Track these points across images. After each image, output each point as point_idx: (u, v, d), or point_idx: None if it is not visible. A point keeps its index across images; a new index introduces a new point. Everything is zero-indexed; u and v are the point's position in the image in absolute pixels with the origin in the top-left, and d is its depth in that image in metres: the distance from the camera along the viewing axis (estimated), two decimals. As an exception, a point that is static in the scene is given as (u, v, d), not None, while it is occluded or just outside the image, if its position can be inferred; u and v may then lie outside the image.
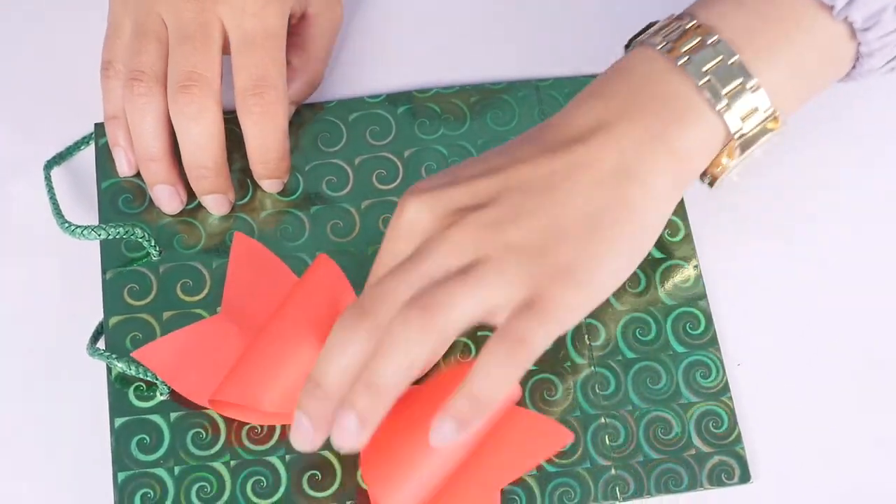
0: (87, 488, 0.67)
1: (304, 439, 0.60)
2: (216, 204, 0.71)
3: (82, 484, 0.67)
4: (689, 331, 0.68)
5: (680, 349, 0.68)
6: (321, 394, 0.59)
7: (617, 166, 0.60)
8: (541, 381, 0.67)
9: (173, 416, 0.66)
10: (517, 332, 0.57)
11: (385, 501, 0.62)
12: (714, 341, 0.68)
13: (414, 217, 0.60)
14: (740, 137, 0.61)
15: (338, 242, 0.70)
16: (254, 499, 0.65)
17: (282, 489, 0.65)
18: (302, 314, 0.65)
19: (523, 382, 0.67)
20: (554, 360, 0.67)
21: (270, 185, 0.71)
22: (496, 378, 0.57)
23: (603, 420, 0.66)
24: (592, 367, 0.67)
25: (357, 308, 0.59)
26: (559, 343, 0.68)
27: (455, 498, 0.64)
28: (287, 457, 0.66)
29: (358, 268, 0.69)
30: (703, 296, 0.69)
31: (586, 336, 0.68)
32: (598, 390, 0.67)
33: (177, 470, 0.65)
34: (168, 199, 0.71)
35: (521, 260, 0.58)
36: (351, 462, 0.65)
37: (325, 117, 0.73)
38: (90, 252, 0.71)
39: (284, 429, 0.66)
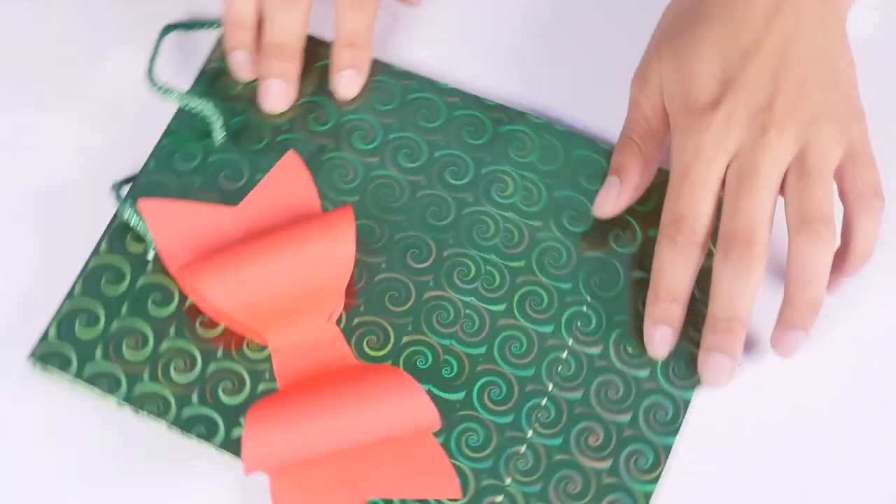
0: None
1: (725, 376, 0.65)
2: (279, 91, 0.71)
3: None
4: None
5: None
6: (740, 327, 0.64)
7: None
8: (465, 431, 0.66)
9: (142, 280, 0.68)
10: (870, 186, 0.65)
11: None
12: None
13: (723, 130, 0.64)
14: None
15: (387, 207, 0.70)
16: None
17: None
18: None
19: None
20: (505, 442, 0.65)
21: (349, 80, 0.72)
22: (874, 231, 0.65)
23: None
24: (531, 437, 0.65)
25: (740, 242, 0.63)
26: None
27: (324, 479, 0.63)
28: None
29: (388, 231, 0.69)
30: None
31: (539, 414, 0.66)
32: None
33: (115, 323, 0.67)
34: (252, 75, 0.73)
35: (831, 124, 0.64)
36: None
37: (428, 95, 0.73)
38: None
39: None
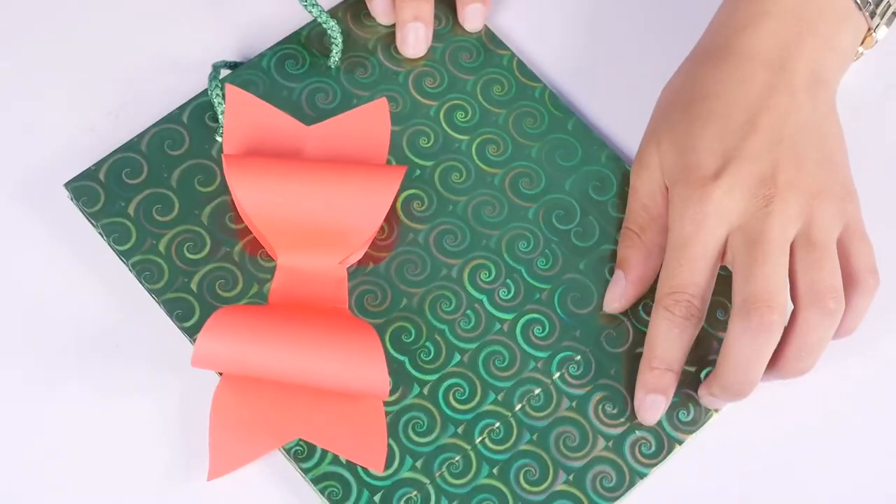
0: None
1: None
2: (416, 32, 0.72)
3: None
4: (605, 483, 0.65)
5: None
6: (750, 391, 0.64)
7: (811, 78, 0.67)
8: (413, 418, 0.65)
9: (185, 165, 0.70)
10: (867, 265, 0.65)
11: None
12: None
13: (725, 200, 0.64)
14: (875, 29, 0.70)
15: (448, 185, 0.70)
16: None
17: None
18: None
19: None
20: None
21: (473, 15, 0.73)
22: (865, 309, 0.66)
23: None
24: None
25: (761, 306, 0.62)
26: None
27: (265, 401, 0.64)
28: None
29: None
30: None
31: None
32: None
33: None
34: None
35: (830, 202, 0.65)
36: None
37: (540, 107, 0.73)
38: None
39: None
